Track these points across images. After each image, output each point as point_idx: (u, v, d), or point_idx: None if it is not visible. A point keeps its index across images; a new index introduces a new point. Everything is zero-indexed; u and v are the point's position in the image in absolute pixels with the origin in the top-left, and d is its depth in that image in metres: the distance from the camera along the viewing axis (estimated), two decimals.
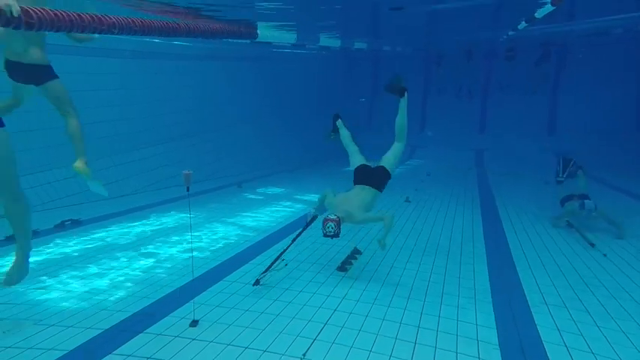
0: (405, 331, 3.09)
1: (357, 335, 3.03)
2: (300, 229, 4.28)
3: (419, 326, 3.17)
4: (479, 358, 2.79)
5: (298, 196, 7.84)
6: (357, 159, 4.34)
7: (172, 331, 2.95)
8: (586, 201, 5.70)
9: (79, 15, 3.00)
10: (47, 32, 3.57)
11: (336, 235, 3.71)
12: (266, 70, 11.50)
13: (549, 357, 2.81)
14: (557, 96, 13.09)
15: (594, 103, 12.16)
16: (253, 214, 6.45)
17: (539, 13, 5.77)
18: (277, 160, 10.63)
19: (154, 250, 4.63)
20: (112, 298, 3.43)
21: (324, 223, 3.73)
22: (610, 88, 11.88)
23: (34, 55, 3.50)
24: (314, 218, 4.28)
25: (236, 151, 9.91)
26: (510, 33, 9.08)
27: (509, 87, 13.20)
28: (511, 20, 7.83)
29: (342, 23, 8.08)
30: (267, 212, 6.62)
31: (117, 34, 3.37)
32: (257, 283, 3.76)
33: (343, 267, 4.34)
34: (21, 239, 3.14)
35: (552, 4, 5.10)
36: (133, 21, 3.45)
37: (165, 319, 3.10)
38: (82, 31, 3.14)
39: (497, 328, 3.16)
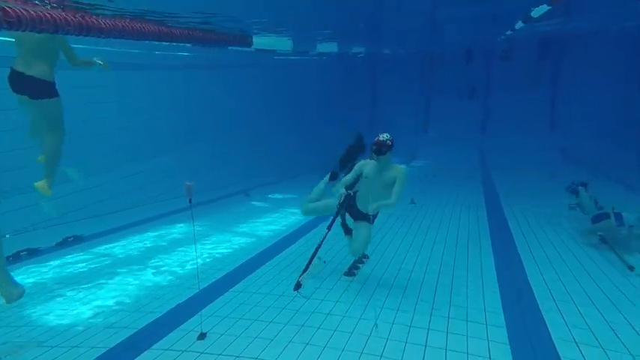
0: (415, 334, 3.04)
1: (367, 341, 2.97)
2: (334, 216, 3.89)
3: (429, 328, 3.12)
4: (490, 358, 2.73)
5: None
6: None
7: (180, 346, 2.91)
8: (625, 214, 4.69)
9: (64, 17, 3.01)
10: (60, 50, 3.65)
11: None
12: (267, 76, 11.56)
13: None
14: (557, 93, 13.06)
15: (594, 100, 12.13)
16: (260, 222, 6.42)
17: (536, 13, 5.76)
18: (283, 166, 10.62)
19: (159, 264, 4.61)
20: (116, 315, 3.41)
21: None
22: (609, 85, 11.86)
23: (38, 69, 3.53)
24: (347, 197, 3.92)
25: (241, 159, 9.92)
26: (508, 33, 9.10)
27: (510, 85, 13.17)
28: (509, 21, 7.84)
29: (339, 30, 8.13)
30: (274, 219, 6.59)
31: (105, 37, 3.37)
32: (298, 286, 3.40)
33: (351, 272, 4.29)
34: None
35: (549, 4, 5.09)
36: (124, 25, 3.45)
37: (172, 333, 3.07)
38: (67, 33, 3.17)
39: (506, 328, 3.09)
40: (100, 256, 4.82)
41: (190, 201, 3.10)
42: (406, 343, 2.94)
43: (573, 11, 7.53)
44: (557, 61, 12.88)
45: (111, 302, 3.65)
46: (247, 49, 6.43)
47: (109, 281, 4.11)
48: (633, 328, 3.08)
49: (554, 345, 2.85)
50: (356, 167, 4.00)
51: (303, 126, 12.38)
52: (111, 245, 5.19)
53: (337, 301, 3.61)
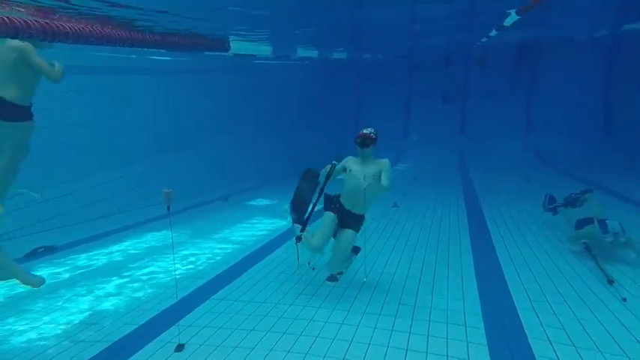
0: (397, 338, 3.06)
1: (349, 346, 2.97)
2: (324, 183, 3.87)
3: (410, 332, 3.14)
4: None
5: (287, 207, 7.75)
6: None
7: (156, 358, 2.83)
8: (609, 221, 4.47)
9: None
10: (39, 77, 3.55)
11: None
12: (248, 80, 11.49)
13: None
14: (533, 96, 13.54)
15: (567, 103, 12.65)
16: (241, 229, 6.34)
17: (507, 22, 5.98)
18: (264, 171, 10.56)
19: (136, 273, 4.48)
20: (90, 329, 3.28)
21: None
22: (581, 89, 12.41)
23: (10, 92, 3.44)
24: (333, 167, 3.86)
25: (221, 165, 9.79)
26: (484, 40, 9.40)
27: (488, 89, 13.54)
28: (484, 28, 8.12)
29: (320, 36, 8.18)
30: (254, 225, 6.53)
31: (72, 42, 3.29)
32: (298, 239, 3.74)
33: (333, 277, 4.28)
34: None
35: (517, 14, 5.32)
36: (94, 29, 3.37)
37: (148, 345, 2.98)
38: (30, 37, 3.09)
39: (485, 328, 3.16)
40: (73, 267, 4.65)
41: (169, 208, 3.04)
42: (388, 347, 2.95)
43: (544, 21, 7.86)
44: (534, 66, 13.37)
45: (83, 315, 3.51)
46: (225, 54, 6.35)
47: (82, 293, 3.97)
48: (602, 325, 3.19)
49: (529, 345, 2.93)
50: (340, 164, 3.93)
51: (285, 131, 12.36)
52: (85, 255, 5.01)
53: (320, 307, 3.60)
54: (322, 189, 3.91)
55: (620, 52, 12.05)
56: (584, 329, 3.12)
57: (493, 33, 7.90)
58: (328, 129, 14.59)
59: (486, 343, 2.96)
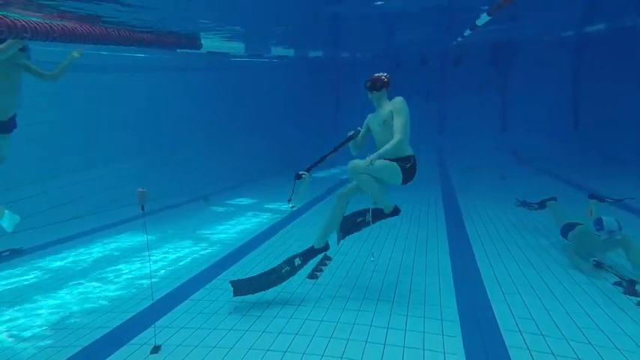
0: (375, 334, 3.10)
1: (328, 342, 2.99)
2: (340, 143, 3.69)
3: (388, 327, 3.19)
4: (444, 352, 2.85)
5: (267, 205, 7.72)
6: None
7: None
8: (605, 217, 3.95)
9: None
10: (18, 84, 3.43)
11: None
12: (228, 78, 11.32)
13: None
14: (508, 95, 13.99)
15: (539, 102, 13.15)
16: (220, 228, 6.26)
17: (480, 22, 6.18)
18: (245, 169, 10.45)
19: (110, 276, 4.35)
20: (59, 333, 3.17)
21: None
22: (552, 89, 12.93)
23: None
24: (356, 133, 3.72)
25: (202, 164, 9.62)
26: (459, 39, 9.65)
27: (465, 88, 13.85)
28: (459, 28, 8.34)
29: (295, 34, 8.18)
30: (234, 225, 6.46)
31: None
32: (298, 177, 3.33)
33: (313, 274, 4.30)
34: None
35: (488, 15, 5.51)
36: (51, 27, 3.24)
37: (122, 348, 2.90)
38: None
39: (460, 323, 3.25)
40: (41, 271, 4.47)
41: (143, 208, 2.97)
42: (366, 342, 2.99)
43: (517, 20, 8.15)
44: (508, 66, 13.80)
45: (53, 321, 3.39)
46: (197, 51, 6.24)
47: (51, 297, 3.82)
48: (569, 315, 3.34)
49: (501, 335, 3.03)
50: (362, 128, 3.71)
51: (266, 129, 12.27)
52: (54, 258, 4.83)
53: (299, 305, 3.60)
54: (338, 147, 3.64)
55: (586, 51, 12.67)
56: (553, 320, 3.26)
57: (467, 32, 8.14)
58: (308, 127, 14.60)
59: (461, 335, 3.04)
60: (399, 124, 3.34)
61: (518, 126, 13.62)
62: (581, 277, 4.08)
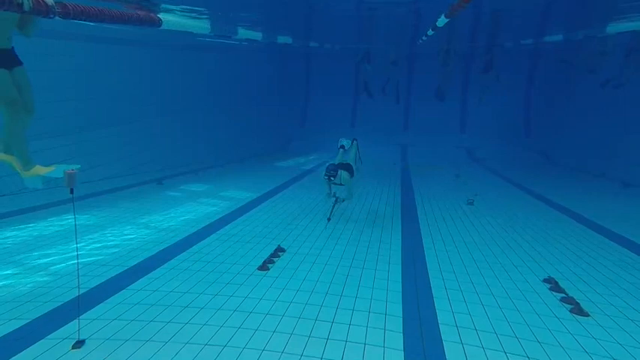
0: (319, 328, 3.08)
1: (271, 337, 2.93)
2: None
3: (333, 322, 3.18)
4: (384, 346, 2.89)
5: (222, 193, 7.47)
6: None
7: (47, 358, 2.52)
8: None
9: None
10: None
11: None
12: (201, 60, 10.75)
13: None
14: (467, 98, 14.63)
15: (494, 106, 13.89)
16: (170, 214, 5.97)
17: (439, 23, 6.44)
18: (206, 155, 10.05)
19: (32, 263, 3.99)
20: None
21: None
22: (507, 94, 13.70)
23: None
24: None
25: (159, 145, 9.11)
26: (424, 38, 9.82)
27: (429, 88, 14.18)
28: (425, 26, 8.47)
29: (265, 18, 7.88)
30: (185, 211, 6.18)
31: None
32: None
33: (265, 266, 4.21)
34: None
35: (446, 17, 5.77)
36: None
37: (38, 343, 2.65)
38: None
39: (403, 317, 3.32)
40: None
41: (72, 191, 2.70)
42: (309, 337, 2.96)
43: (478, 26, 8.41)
44: (467, 70, 14.37)
45: None
46: (156, 28, 5.78)
47: None
48: (501, 309, 3.52)
49: (439, 330, 3.13)
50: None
51: (229, 115, 11.86)
52: None
53: (246, 297, 3.50)
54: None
55: (540, 58, 13.51)
56: (487, 315, 3.42)
57: (430, 32, 8.32)
58: (275, 116, 14.31)
59: (402, 331, 3.10)
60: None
61: (474, 128, 14.43)
62: (517, 275, 4.32)
